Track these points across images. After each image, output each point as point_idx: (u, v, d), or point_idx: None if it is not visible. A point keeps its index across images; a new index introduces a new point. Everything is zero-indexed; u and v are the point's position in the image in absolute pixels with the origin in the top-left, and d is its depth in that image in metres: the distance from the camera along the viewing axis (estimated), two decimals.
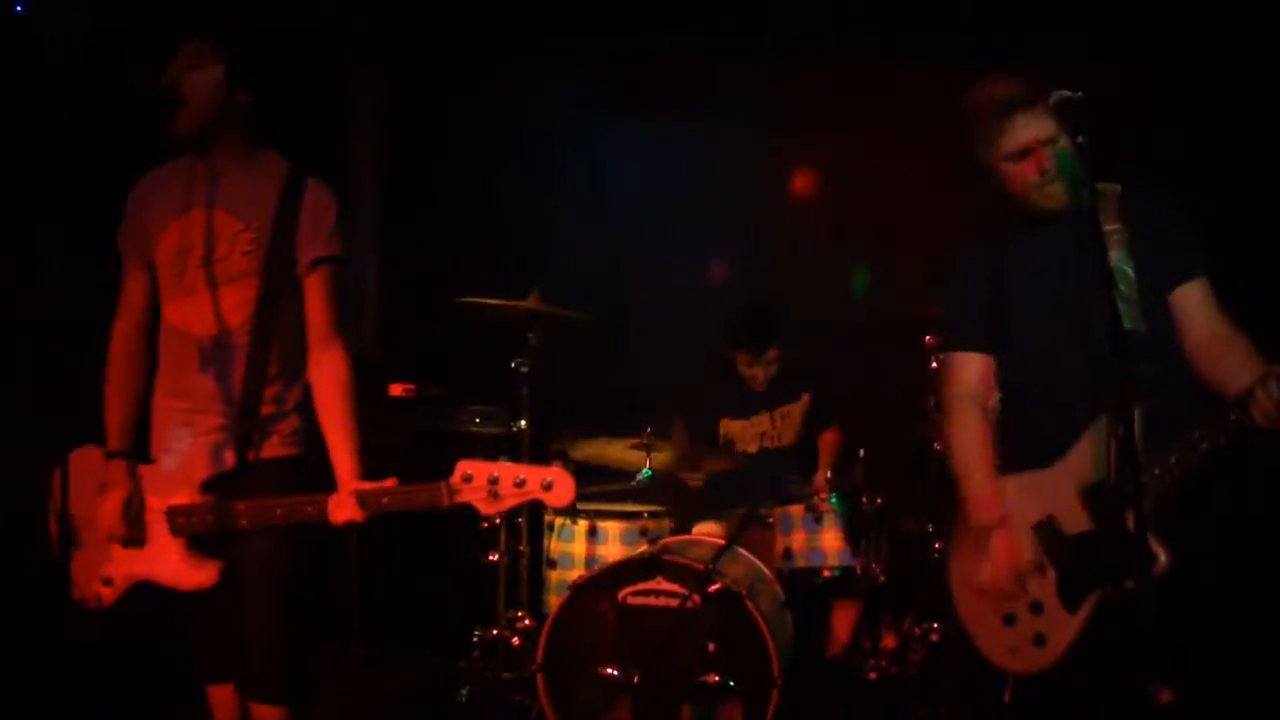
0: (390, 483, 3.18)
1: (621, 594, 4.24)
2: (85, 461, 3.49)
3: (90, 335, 3.57)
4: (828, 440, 5.42)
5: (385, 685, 5.51)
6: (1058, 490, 3.17)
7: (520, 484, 3.05)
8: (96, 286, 3.59)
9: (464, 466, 3.07)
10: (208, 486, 3.32)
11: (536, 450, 4.96)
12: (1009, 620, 3.20)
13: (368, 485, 3.19)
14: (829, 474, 5.09)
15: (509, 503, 3.08)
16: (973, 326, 3.42)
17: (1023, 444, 3.31)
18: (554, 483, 3.05)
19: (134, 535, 3.34)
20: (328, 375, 3.39)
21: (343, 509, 3.19)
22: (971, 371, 3.42)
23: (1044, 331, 3.26)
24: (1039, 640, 3.14)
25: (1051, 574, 3.16)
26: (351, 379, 3.40)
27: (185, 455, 3.37)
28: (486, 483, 3.06)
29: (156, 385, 3.50)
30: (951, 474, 3.41)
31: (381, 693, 5.43)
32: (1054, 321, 3.23)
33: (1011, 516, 3.23)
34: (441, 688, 5.04)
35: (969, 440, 3.37)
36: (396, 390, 5.95)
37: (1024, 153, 3.15)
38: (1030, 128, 3.12)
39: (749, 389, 5.51)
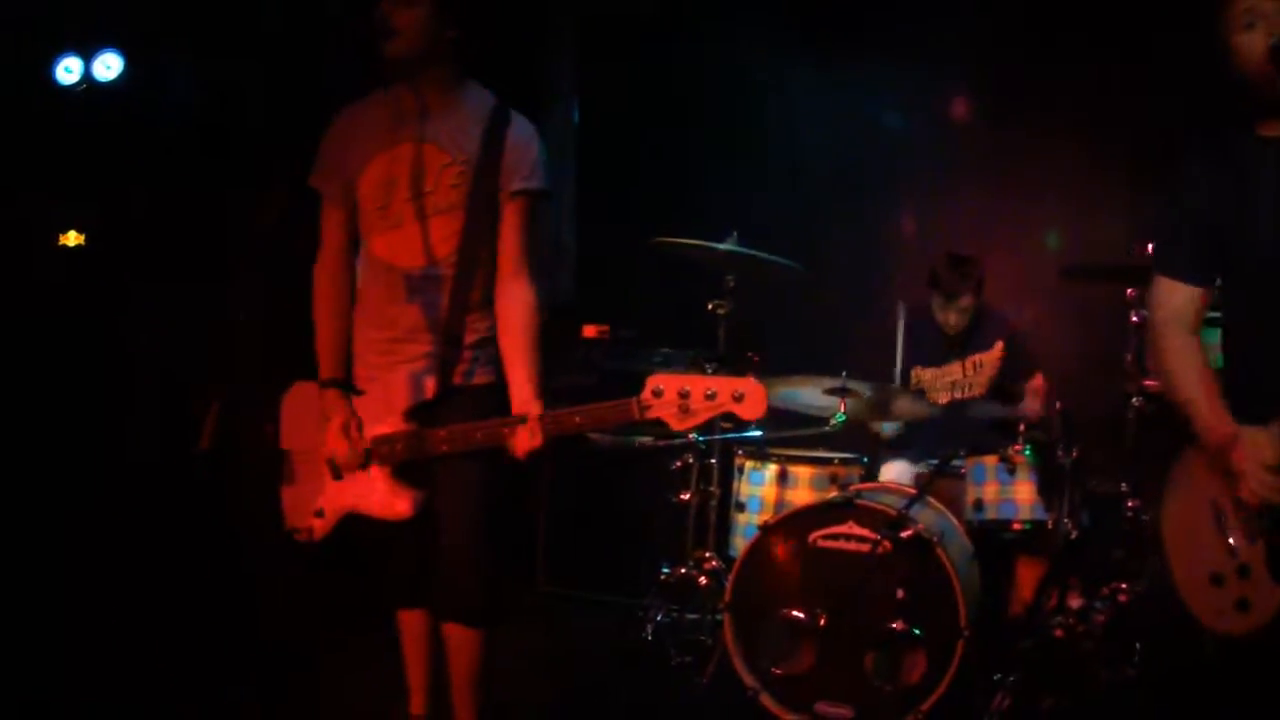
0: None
1: (811, 537, 4.24)
2: (298, 398, 3.66)
3: (292, 273, 3.72)
4: (1036, 386, 5.31)
5: (571, 621, 5.65)
6: (1277, 449, 3.01)
7: (711, 396, 3.01)
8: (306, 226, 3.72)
9: (654, 381, 3.06)
10: (410, 415, 3.42)
11: None
12: (1216, 580, 3.10)
13: (554, 411, 3.23)
14: (1038, 412, 5.04)
15: (701, 417, 3.04)
16: (1185, 254, 3.20)
17: (1239, 394, 3.12)
18: (746, 394, 3.00)
19: (358, 458, 3.45)
20: (514, 305, 3.46)
21: (522, 436, 3.24)
22: (1179, 301, 3.20)
23: (1274, 266, 3.05)
24: (1242, 605, 3.04)
25: (1262, 542, 3.04)
26: (537, 311, 3.46)
27: (388, 385, 3.48)
28: (677, 396, 3.03)
29: (357, 317, 3.60)
30: (1173, 400, 3.21)
31: (567, 628, 5.56)
32: None
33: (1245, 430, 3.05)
34: (626, 625, 5.12)
35: (1188, 362, 3.15)
36: (590, 332, 6.05)
37: (1254, 17, 2.98)
38: None
39: (942, 335, 5.49)
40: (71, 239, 6.17)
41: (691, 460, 5.08)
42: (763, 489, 4.98)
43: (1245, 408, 3.09)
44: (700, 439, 5.04)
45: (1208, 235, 3.14)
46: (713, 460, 5.07)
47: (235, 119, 5.74)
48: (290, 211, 3.46)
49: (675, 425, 3.07)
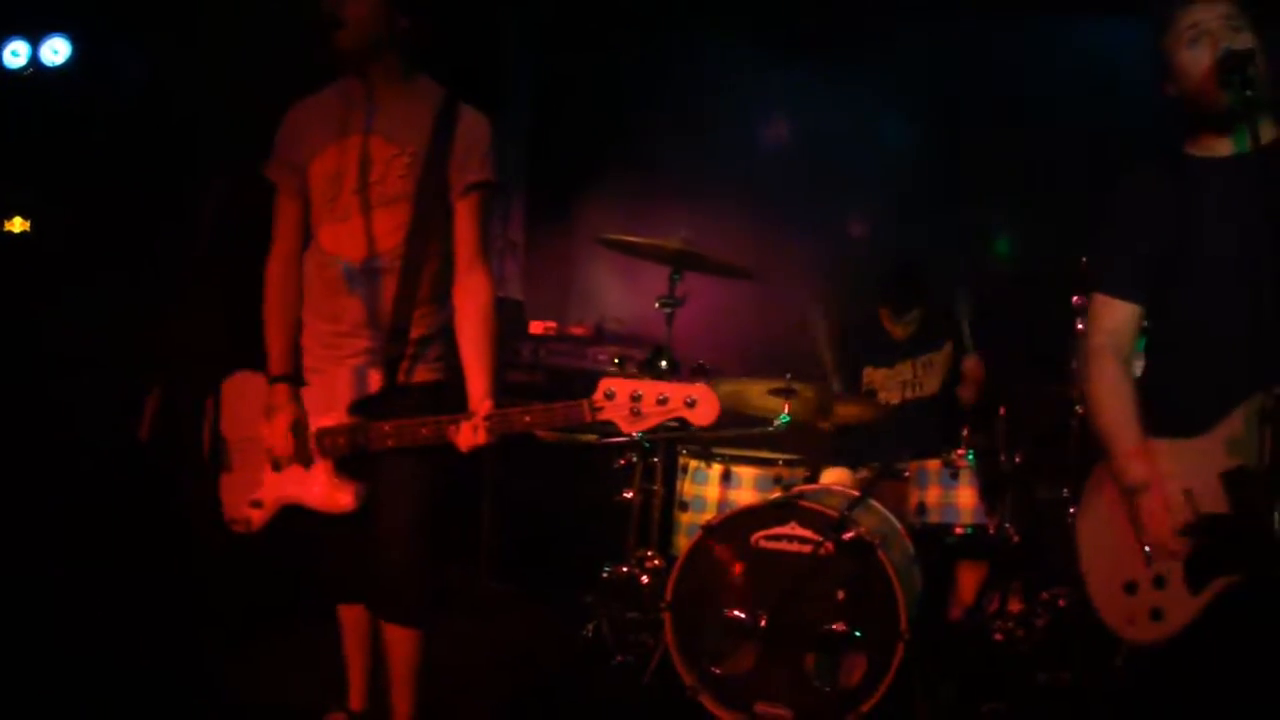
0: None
1: (754, 538, 4.25)
2: (238, 387, 3.65)
3: (241, 265, 3.69)
4: (970, 365, 5.36)
5: (512, 618, 5.62)
6: (1199, 464, 3.00)
7: (663, 401, 3.04)
8: (250, 216, 3.69)
9: (607, 384, 3.09)
10: (354, 409, 3.42)
11: None
12: (1130, 589, 3.08)
13: (504, 410, 3.23)
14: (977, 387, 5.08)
15: (651, 420, 3.07)
16: (1126, 271, 3.18)
17: (1163, 406, 3.11)
18: (698, 400, 3.03)
19: (301, 456, 3.45)
20: (471, 298, 3.45)
21: (466, 432, 3.24)
22: (1118, 319, 3.18)
23: (1208, 284, 3.06)
24: (1156, 614, 3.02)
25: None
26: (493, 305, 3.45)
27: (332, 378, 3.48)
28: (629, 399, 3.06)
29: (305, 309, 3.59)
30: (1094, 429, 3.21)
31: (510, 625, 5.53)
32: (1220, 274, 3.03)
33: (1160, 476, 3.05)
34: (568, 623, 5.13)
35: (1115, 393, 3.14)
36: (537, 328, 6.05)
37: (1199, 33, 3.00)
38: (1210, 9, 3.00)
39: (892, 339, 5.57)
40: (16, 225, 6.10)
41: (635, 459, 5.09)
42: (706, 488, 5.00)
43: (1167, 421, 3.09)
44: (644, 438, 5.04)
45: (1146, 253, 3.14)
46: (656, 459, 5.09)
47: (182, 106, 5.69)
48: (234, 201, 3.43)
49: (626, 428, 3.10)
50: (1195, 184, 3.10)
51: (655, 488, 5.09)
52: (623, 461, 5.14)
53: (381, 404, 3.42)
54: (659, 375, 4.76)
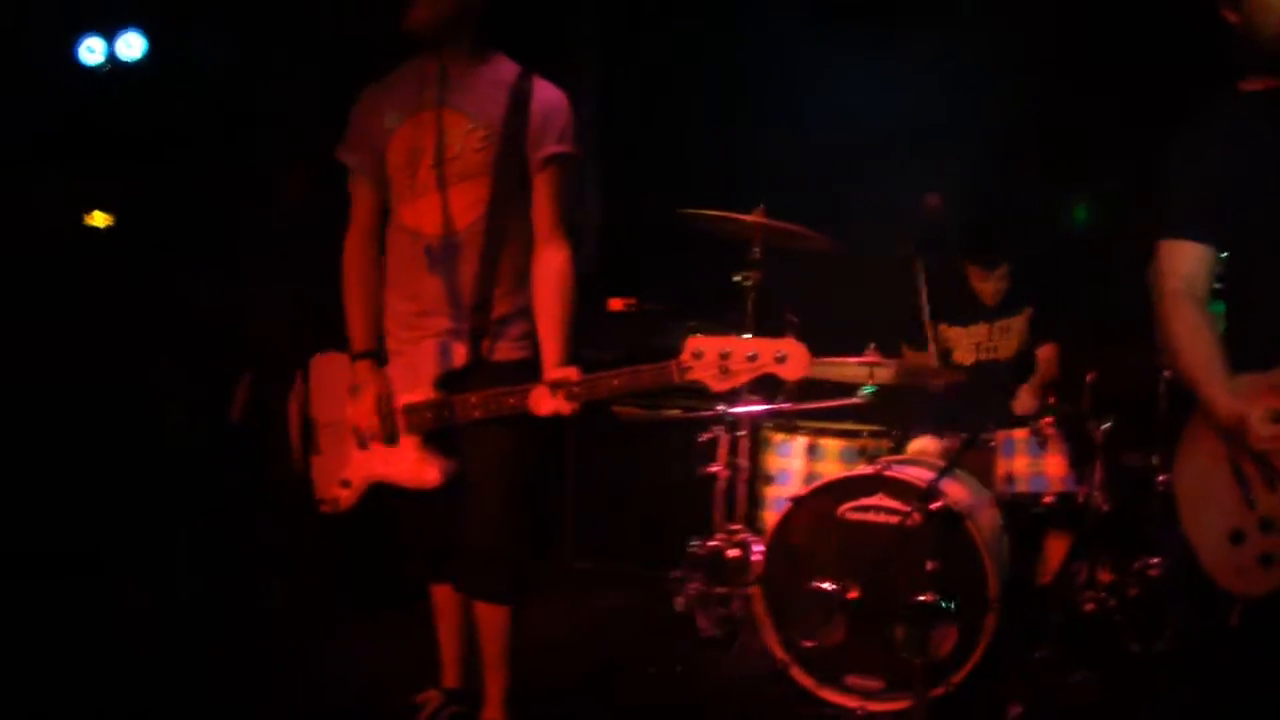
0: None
1: (841, 510, 4.27)
2: (323, 369, 3.70)
3: (322, 249, 3.77)
4: (1045, 355, 5.37)
5: (599, 595, 5.68)
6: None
7: (752, 357, 3.04)
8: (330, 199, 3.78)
9: (694, 343, 3.08)
10: (439, 384, 3.45)
11: None
12: (1236, 538, 3.01)
13: (591, 375, 3.25)
14: (1041, 389, 5.07)
15: (741, 377, 3.07)
16: (1188, 211, 3.11)
17: (1243, 342, 3.05)
18: (788, 355, 3.02)
19: (388, 431, 3.49)
20: (547, 268, 3.48)
21: (548, 398, 3.27)
22: (1189, 261, 3.10)
23: (1276, 217, 3.00)
24: (1266, 560, 2.96)
25: None
26: (571, 275, 3.48)
27: (415, 356, 3.52)
28: (718, 358, 3.06)
29: (387, 288, 3.64)
30: (1181, 373, 3.13)
31: (596, 603, 5.59)
32: None
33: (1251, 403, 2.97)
34: (655, 599, 5.17)
35: (1197, 334, 3.06)
36: (616, 305, 6.10)
37: None
38: None
39: (972, 295, 5.55)
40: (99, 220, 6.23)
41: (719, 433, 5.08)
42: (792, 462, 5.02)
43: (1249, 356, 3.04)
44: (728, 411, 5.04)
45: (1210, 192, 3.08)
46: (741, 433, 5.07)
47: (258, 94, 5.77)
48: (316, 186, 3.49)
49: (715, 387, 3.09)
50: (1256, 119, 3.06)
51: (740, 462, 5.05)
52: (707, 436, 5.12)
53: (466, 379, 3.45)
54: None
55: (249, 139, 5.70)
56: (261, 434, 3.97)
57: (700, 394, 4.92)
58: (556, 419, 3.32)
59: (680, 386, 3.19)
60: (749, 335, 3.39)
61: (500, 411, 3.36)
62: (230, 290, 5.53)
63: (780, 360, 3.03)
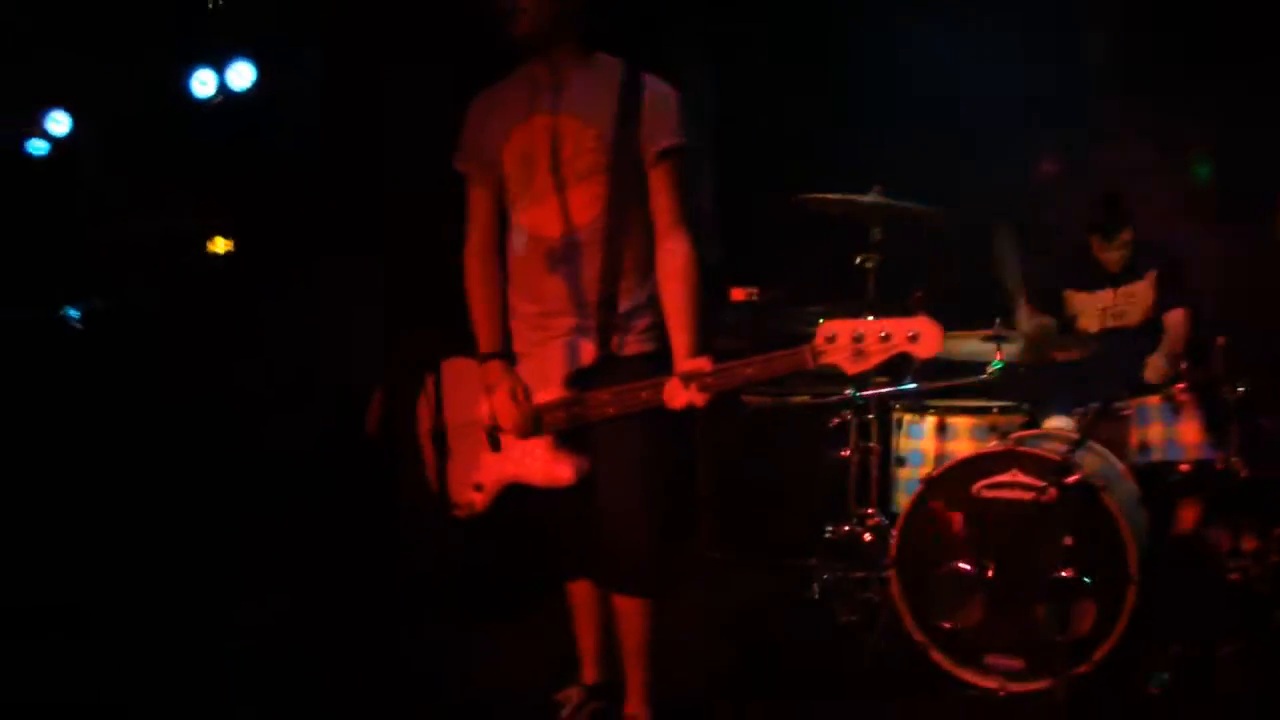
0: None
1: (975, 488, 4.25)
2: (452, 373, 3.74)
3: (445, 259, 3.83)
4: (1174, 319, 5.30)
5: (737, 585, 5.69)
6: None
7: (886, 338, 3.04)
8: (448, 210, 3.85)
9: (827, 327, 3.10)
10: (570, 382, 3.51)
11: None
12: None
13: (724, 364, 3.26)
14: (1172, 355, 5.03)
15: (875, 358, 3.08)
16: None
17: None
18: (920, 333, 3.02)
19: (528, 425, 3.53)
20: (671, 259, 3.50)
21: (679, 393, 3.29)
22: None
23: None
24: None
25: None
26: (695, 264, 3.50)
27: (543, 357, 3.57)
28: (850, 341, 3.07)
29: (510, 292, 3.70)
30: None
31: (731, 592, 5.60)
32: None
33: None
34: (793, 586, 5.20)
35: None
36: (738, 295, 6.07)
37: None
38: None
39: (1098, 262, 5.53)
40: (220, 246, 6.40)
41: (849, 416, 5.09)
42: (922, 442, 5.03)
43: None
44: (857, 394, 5.05)
45: None
46: (870, 415, 5.09)
47: (365, 112, 5.89)
48: (431, 197, 3.57)
49: (850, 369, 3.10)
50: None
51: (871, 445, 5.08)
52: (836, 421, 5.15)
53: (596, 376, 3.49)
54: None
55: (360, 155, 5.80)
56: (395, 445, 4.06)
57: (828, 378, 4.97)
58: (690, 410, 3.35)
59: (809, 371, 3.22)
60: (874, 318, 3.38)
61: (634, 407, 3.39)
62: (358, 304, 5.65)
63: (913, 339, 3.02)
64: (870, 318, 4.59)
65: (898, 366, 4.84)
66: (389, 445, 4.08)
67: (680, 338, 3.44)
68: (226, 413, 6.00)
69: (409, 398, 3.73)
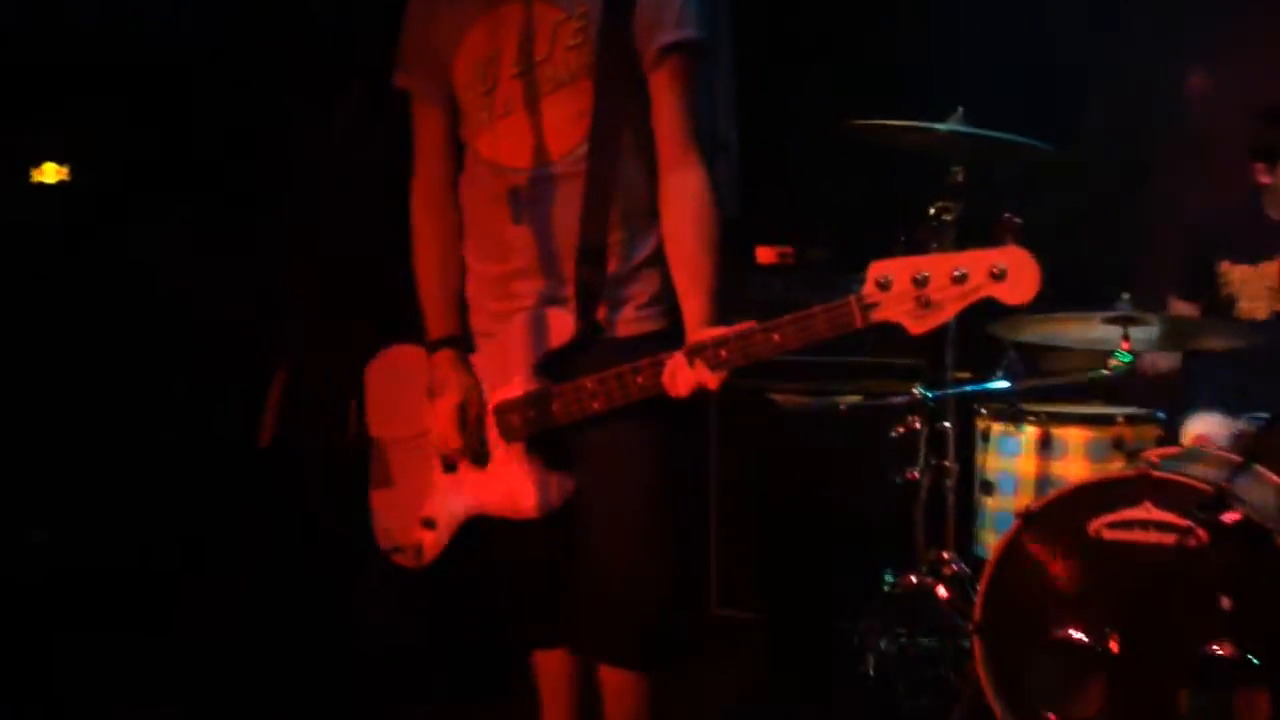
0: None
1: (1092, 526, 4.17)
2: (389, 369, 3.75)
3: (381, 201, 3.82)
4: None
5: (760, 655, 5.67)
6: None
7: (960, 279, 2.89)
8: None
9: (878, 269, 2.94)
10: (541, 369, 3.42)
11: (973, 334, 4.90)
12: None
13: (741, 330, 3.14)
14: None
15: (948, 309, 2.93)
16: None
17: None
18: (1008, 268, 2.86)
19: (476, 446, 3.49)
20: (680, 199, 3.42)
21: (683, 372, 3.17)
22: None
23: None
24: None
25: None
26: (712, 206, 3.41)
27: (508, 335, 3.48)
28: (911, 285, 2.92)
29: (466, 249, 3.65)
30: None
31: (753, 663, 5.58)
32: None
33: None
34: (839, 658, 5.17)
35: None
36: (766, 256, 6.11)
37: None
38: None
39: (1262, 223, 5.46)
40: (50, 174, 6.29)
41: (917, 424, 5.05)
42: (1018, 461, 5.00)
43: None
44: (929, 394, 5.03)
45: None
46: (946, 424, 5.06)
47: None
48: (366, 120, 3.48)
49: (914, 327, 2.96)
50: None
51: (947, 463, 5.07)
52: (900, 430, 5.10)
53: (576, 362, 3.41)
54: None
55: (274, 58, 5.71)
56: (303, 460, 3.98)
57: (889, 372, 4.87)
58: (699, 404, 3.30)
59: (861, 358, 3.11)
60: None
61: (627, 397, 3.29)
62: (254, 259, 5.54)
63: (998, 277, 2.86)
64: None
65: (985, 357, 5.03)
66: (292, 463, 3.99)
67: (692, 302, 3.35)
68: (48, 408, 5.86)
69: (326, 397, 3.65)
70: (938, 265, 2.91)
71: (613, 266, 3.45)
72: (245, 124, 5.76)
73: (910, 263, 2.93)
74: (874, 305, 2.95)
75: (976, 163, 5.03)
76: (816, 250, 6.06)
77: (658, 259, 3.47)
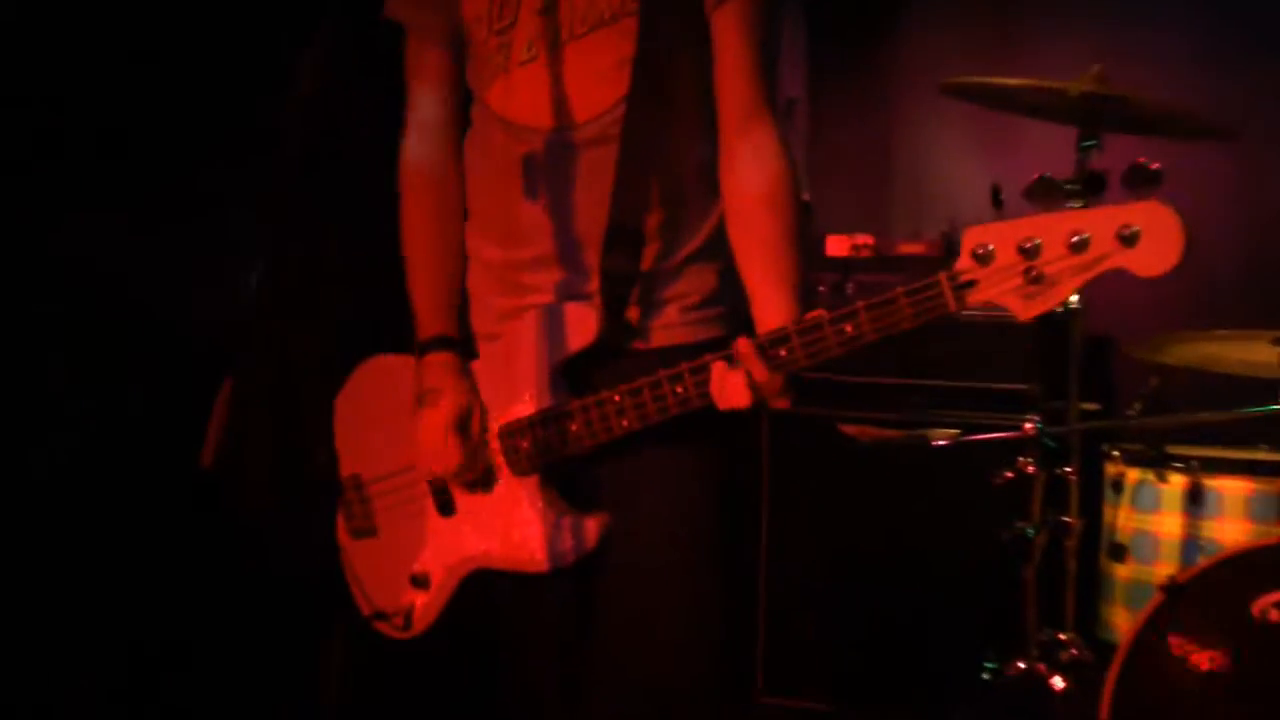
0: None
1: (1257, 606, 4.21)
2: (368, 384, 3.79)
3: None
4: None
5: None
6: None
7: (1081, 245, 2.79)
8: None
9: (975, 236, 2.86)
10: (557, 381, 3.37)
11: (1106, 355, 4.83)
12: None
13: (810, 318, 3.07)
14: None
15: (1065, 286, 2.84)
16: None
17: None
18: (1142, 230, 2.76)
19: (478, 472, 3.44)
20: (750, 170, 3.37)
21: (733, 379, 3.09)
22: None
23: None
24: None
25: None
26: (791, 178, 3.35)
27: (517, 338, 3.43)
28: (1017, 255, 2.84)
29: (469, 230, 3.65)
30: None
31: None
32: None
33: None
34: None
35: None
36: (839, 247, 6.11)
37: None
38: None
39: None
40: None
41: (1030, 467, 5.02)
42: (1160, 519, 4.98)
43: None
44: (1045, 430, 5.00)
45: None
46: (1068, 469, 5.01)
47: None
48: (343, 69, 3.42)
49: (1023, 312, 2.87)
50: None
51: (1068, 519, 5.03)
52: (1007, 476, 5.06)
53: (605, 378, 3.34)
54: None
55: None
56: (253, 488, 3.91)
57: (995, 400, 4.81)
58: (751, 422, 3.28)
59: (964, 360, 3.04)
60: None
61: (664, 413, 3.23)
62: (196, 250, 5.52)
63: (1129, 241, 2.75)
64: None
65: (1120, 384, 5.05)
66: (238, 489, 3.92)
67: (767, 304, 3.27)
68: None
69: (285, 411, 3.59)
70: (1051, 229, 2.81)
71: (651, 257, 3.40)
72: (178, 83, 5.74)
73: (1016, 227, 2.84)
74: (971, 284, 2.87)
75: (1120, 131, 5.05)
76: (905, 240, 6.01)
77: (714, 250, 3.44)
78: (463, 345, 3.55)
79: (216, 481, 3.77)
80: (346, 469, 3.71)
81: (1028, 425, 4.98)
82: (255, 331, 4.61)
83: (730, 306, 3.40)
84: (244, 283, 4.93)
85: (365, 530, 3.67)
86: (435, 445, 3.42)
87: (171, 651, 5.40)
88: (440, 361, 3.49)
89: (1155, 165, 4.61)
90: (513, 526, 3.41)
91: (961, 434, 5.26)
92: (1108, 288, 3.07)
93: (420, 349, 3.52)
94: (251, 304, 4.78)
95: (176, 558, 5.42)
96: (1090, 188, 4.85)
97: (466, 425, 3.42)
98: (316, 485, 3.54)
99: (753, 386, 3.08)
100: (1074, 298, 4.51)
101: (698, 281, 3.42)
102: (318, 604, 3.62)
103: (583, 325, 3.36)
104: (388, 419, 3.62)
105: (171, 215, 5.66)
